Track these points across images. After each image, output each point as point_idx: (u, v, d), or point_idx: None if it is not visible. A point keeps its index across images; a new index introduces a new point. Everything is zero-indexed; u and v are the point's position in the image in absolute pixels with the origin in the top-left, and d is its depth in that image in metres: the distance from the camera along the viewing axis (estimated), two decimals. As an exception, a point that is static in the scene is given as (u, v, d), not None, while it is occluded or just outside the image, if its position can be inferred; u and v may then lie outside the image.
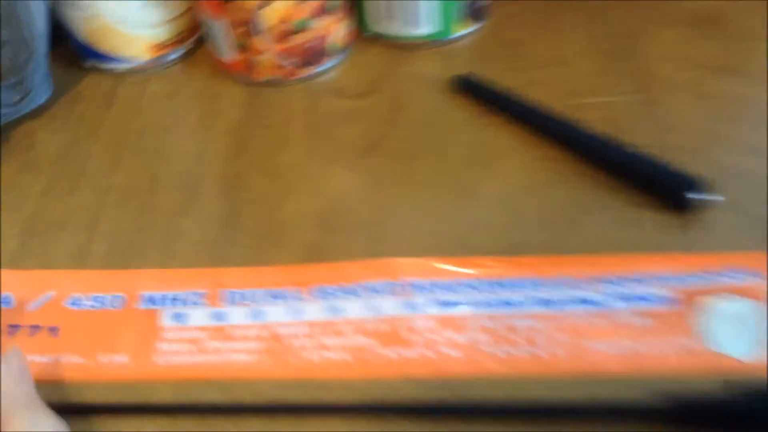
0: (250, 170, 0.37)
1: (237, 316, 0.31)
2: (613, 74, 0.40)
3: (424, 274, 0.31)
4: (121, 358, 0.30)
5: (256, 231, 0.35)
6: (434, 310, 0.30)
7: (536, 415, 0.27)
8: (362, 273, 0.31)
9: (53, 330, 0.31)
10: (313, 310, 0.31)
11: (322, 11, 0.39)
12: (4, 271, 0.33)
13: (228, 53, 0.40)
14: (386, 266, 0.31)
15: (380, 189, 0.36)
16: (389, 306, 0.30)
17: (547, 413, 0.27)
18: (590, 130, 0.36)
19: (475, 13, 0.43)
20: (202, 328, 0.31)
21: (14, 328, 0.31)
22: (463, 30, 0.43)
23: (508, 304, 0.30)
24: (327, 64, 0.42)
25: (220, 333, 0.30)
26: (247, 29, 0.38)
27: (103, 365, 0.30)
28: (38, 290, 0.32)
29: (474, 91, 0.40)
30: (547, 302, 0.30)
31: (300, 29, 0.39)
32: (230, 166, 0.38)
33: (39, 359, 0.30)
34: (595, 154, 0.35)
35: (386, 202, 0.35)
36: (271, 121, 0.40)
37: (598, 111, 0.38)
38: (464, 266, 0.31)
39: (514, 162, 0.36)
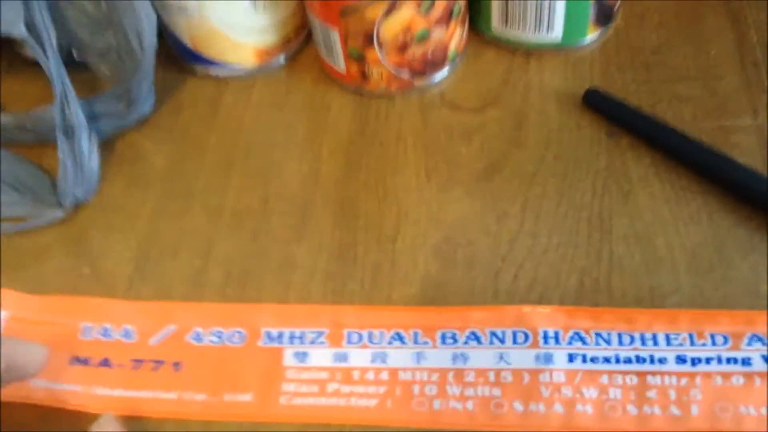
0: (363, 193, 0.39)
1: (359, 358, 0.33)
2: None
3: (559, 325, 0.32)
4: (245, 398, 0.32)
5: (371, 263, 0.36)
6: (569, 364, 0.31)
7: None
8: (491, 320, 0.33)
9: (176, 365, 0.34)
10: (439, 357, 0.32)
11: (447, 20, 0.40)
12: (124, 303, 0.36)
13: (341, 62, 0.42)
14: (518, 314, 0.33)
15: (502, 218, 0.37)
16: (520, 357, 0.32)
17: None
18: (740, 160, 0.36)
19: (603, 16, 0.43)
20: (325, 369, 0.33)
21: (138, 362, 0.34)
22: (589, 35, 0.43)
23: (650, 360, 0.31)
24: (442, 73, 0.43)
25: (343, 375, 0.33)
26: (365, 39, 0.39)
27: (227, 404, 0.32)
28: (159, 323, 0.35)
29: (603, 107, 0.40)
30: (693, 360, 0.31)
31: (420, 39, 0.40)
32: (343, 188, 0.40)
33: (163, 395, 0.33)
34: (746, 189, 0.35)
35: (509, 234, 0.37)
36: (383, 137, 0.41)
37: (749, 136, 0.38)
38: (604, 319, 0.32)
39: (651, 192, 0.37)
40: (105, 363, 0.34)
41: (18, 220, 0.39)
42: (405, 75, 0.42)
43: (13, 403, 0.33)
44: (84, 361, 0.34)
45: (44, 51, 0.38)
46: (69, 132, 0.39)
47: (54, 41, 0.39)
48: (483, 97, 0.42)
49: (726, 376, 0.30)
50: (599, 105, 0.40)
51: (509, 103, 0.42)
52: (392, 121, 0.42)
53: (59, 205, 0.39)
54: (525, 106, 0.42)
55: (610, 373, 0.31)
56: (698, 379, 0.30)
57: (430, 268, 0.36)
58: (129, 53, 0.41)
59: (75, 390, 0.33)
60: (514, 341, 0.32)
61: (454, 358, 0.32)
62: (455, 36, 0.42)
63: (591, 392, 0.31)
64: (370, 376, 0.32)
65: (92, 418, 0.32)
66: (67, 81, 0.39)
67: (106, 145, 0.42)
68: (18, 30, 0.37)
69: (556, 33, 0.42)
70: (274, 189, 0.40)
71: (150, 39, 0.40)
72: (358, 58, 0.41)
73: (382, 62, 0.41)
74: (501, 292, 0.35)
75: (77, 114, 0.39)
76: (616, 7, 0.43)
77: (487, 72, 0.43)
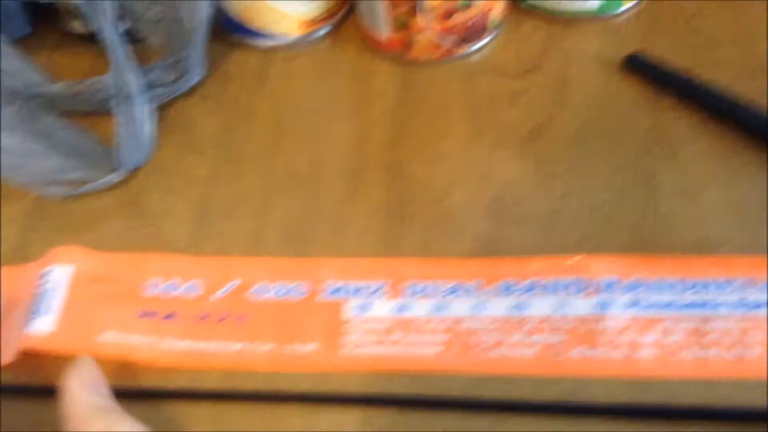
0: (411, 156, 0.39)
1: (419, 308, 0.33)
2: (803, 53, 0.39)
3: (617, 273, 0.32)
4: (309, 348, 0.32)
5: (424, 221, 0.36)
6: (628, 311, 0.31)
7: (728, 417, 0.29)
8: (550, 269, 0.33)
9: (241, 318, 0.33)
10: (498, 306, 0.32)
11: (490, -13, 0.40)
12: (188, 258, 0.36)
13: (384, 31, 0.42)
14: (576, 263, 0.33)
15: (551, 176, 0.37)
16: (579, 304, 0.32)
17: (739, 416, 0.29)
18: (781, 117, 0.36)
19: (642, -16, 0.43)
20: (386, 320, 0.33)
21: (203, 316, 0.34)
22: (626, 4, 0.43)
23: (707, 306, 0.31)
24: (484, 41, 0.43)
25: (404, 325, 0.32)
26: (410, 8, 0.39)
27: (292, 355, 0.32)
28: (223, 278, 0.35)
29: (645, 70, 0.40)
30: (749, 305, 0.30)
31: (464, 7, 0.40)
32: (391, 152, 0.39)
33: (228, 347, 0.33)
34: (789, 144, 0.35)
35: (559, 191, 0.36)
36: (428, 103, 0.41)
37: (788, 95, 0.38)
38: (661, 266, 0.32)
39: (697, 150, 0.37)
40: (171, 316, 0.34)
41: (77, 184, 0.39)
42: (448, 43, 0.42)
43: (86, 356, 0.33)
44: (151, 315, 0.34)
45: (101, 20, 0.38)
46: (126, 99, 0.38)
47: (110, 10, 0.38)
48: (524, 64, 0.42)
49: (783, 319, 0.30)
50: (641, 69, 0.40)
51: (551, 69, 0.42)
52: (436, 88, 0.42)
53: (116, 170, 0.39)
54: (566, 71, 0.41)
55: (668, 319, 0.31)
56: (755, 323, 0.30)
57: (482, 226, 0.36)
58: (180, 24, 0.41)
59: (143, 342, 0.33)
60: (573, 289, 0.32)
61: (514, 307, 0.32)
62: (496, 4, 0.42)
63: (650, 338, 0.30)
64: (431, 325, 0.32)
65: (159, 372, 0.32)
66: (124, 49, 0.38)
67: (158, 113, 0.42)
68: (77, -2, 0.37)
69: (593, 3, 0.42)
70: (323, 154, 0.40)
71: (205, 11, 0.40)
72: (402, 26, 0.41)
73: (426, 30, 0.41)
74: (553, 247, 0.34)
75: (133, 81, 0.39)
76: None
77: (527, 40, 0.43)
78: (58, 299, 0.34)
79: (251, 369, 0.32)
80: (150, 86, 0.41)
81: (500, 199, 0.37)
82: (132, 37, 0.44)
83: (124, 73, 0.38)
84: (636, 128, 0.38)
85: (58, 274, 0.34)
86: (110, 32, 0.38)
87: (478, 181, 0.37)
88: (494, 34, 0.43)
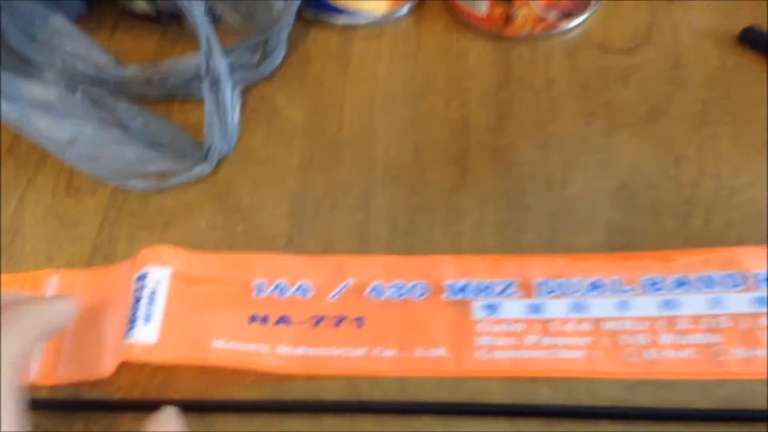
0: (521, 141, 0.36)
1: (556, 308, 0.30)
2: None
3: (778, 266, 0.29)
4: (439, 352, 0.29)
5: (544, 211, 0.33)
6: (792, 306, 0.28)
7: None
8: (699, 264, 0.30)
9: (359, 321, 0.30)
10: (645, 305, 0.29)
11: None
12: (295, 258, 0.32)
13: (482, 6, 0.38)
14: (726, 256, 0.30)
15: (679, 160, 0.34)
16: (735, 301, 0.29)
17: None
18: None
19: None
20: (520, 321, 0.30)
21: (318, 319, 0.30)
22: (738, -29, 0.40)
23: None
24: (586, 14, 0.39)
25: (541, 327, 0.29)
26: (515, -20, 0.36)
27: (420, 360, 0.29)
28: (334, 278, 0.31)
29: (763, 44, 0.37)
30: None
31: (572, -22, 0.36)
32: (497, 136, 0.36)
33: (348, 353, 0.30)
34: None
35: (690, 176, 0.33)
36: (532, 82, 0.38)
37: None
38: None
39: (835, 129, 0.34)
40: (284, 320, 0.30)
41: (161, 176, 0.36)
42: (552, 16, 0.38)
43: (192, 366, 0.30)
44: (261, 320, 0.30)
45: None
46: (213, 83, 0.35)
47: (195, -13, 0.35)
48: (632, 38, 0.39)
49: None
50: (758, 43, 0.37)
51: (661, 44, 0.38)
52: (538, 66, 0.39)
53: (203, 160, 0.35)
54: (678, 46, 0.38)
55: (838, 315, 0.28)
56: None
57: (611, 214, 0.33)
58: (266, 3, 0.37)
59: (256, 350, 0.30)
60: (727, 285, 0.29)
61: (663, 305, 0.29)
62: (602, -25, 0.38)
63: (819, 335, 0.28)
64: (571, 327, 0.29)
65: (275, 382, 0.29)
66: (211, 30, 0.35)
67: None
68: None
69: (698, -29, 0.39)
70: (423, 138, 0.37)
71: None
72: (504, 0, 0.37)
73: (530, 3, 0.37)
74: (694, 236, 0.31)
75: (220, 64, 0.35)
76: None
77: (631, 13, 0.40)
78: (158, 306, 0.30)
79: (376, 374, 0.29)
80: (232, 69, 0.38)
81: (626, 186, 0.33)
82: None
83: (212, 55, 0.35)
84: (763, 106, 0.35)
85: (155, 278, 0.31)
86: (198, 12, 0.34)
87: (599, 167, 0.34)
88: (595, 7, 0.40)
